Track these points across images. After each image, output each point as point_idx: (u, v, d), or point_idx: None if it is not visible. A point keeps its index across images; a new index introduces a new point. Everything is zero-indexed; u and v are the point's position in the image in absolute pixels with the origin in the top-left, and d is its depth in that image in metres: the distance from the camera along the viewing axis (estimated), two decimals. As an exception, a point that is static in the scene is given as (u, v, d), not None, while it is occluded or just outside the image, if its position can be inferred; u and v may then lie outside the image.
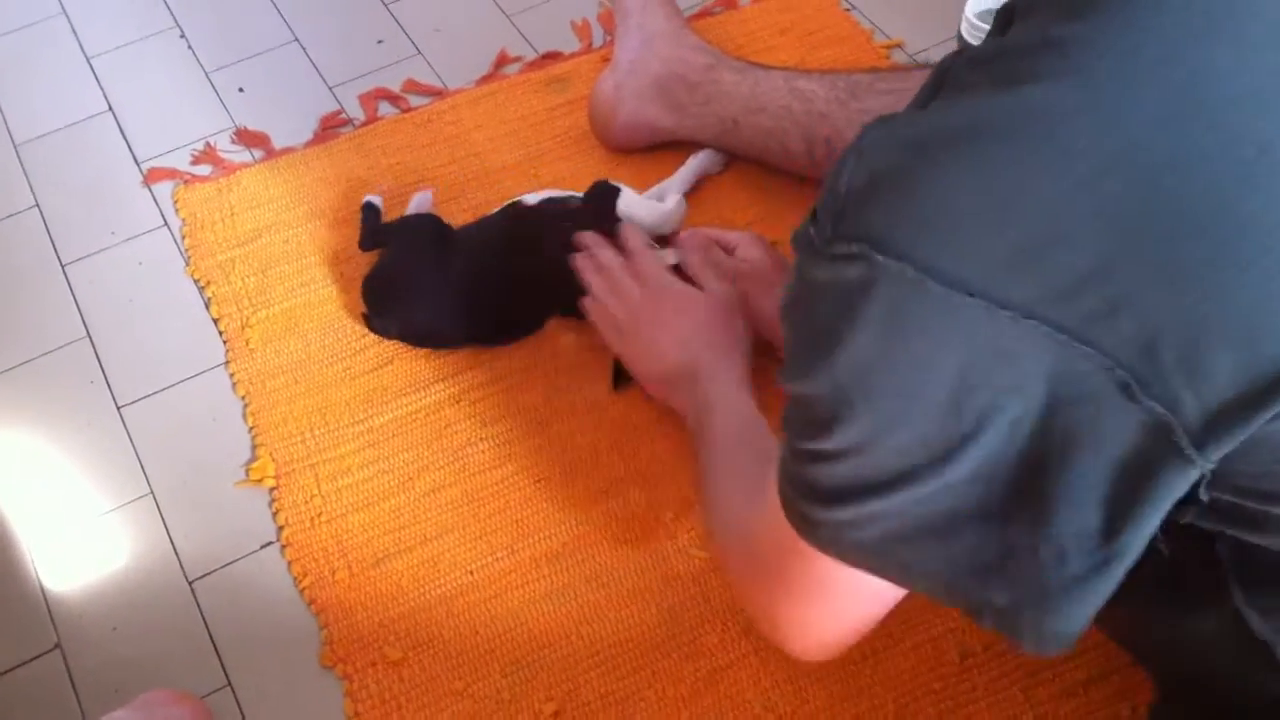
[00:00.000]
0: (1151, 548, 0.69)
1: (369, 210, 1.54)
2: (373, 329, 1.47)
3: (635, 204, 1.48)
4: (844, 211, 0.67)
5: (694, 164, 1.57)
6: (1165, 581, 0.78)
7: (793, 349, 0.73)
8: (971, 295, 0.62)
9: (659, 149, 1.61)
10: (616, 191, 1.47)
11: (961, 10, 1.61)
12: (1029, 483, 0.67)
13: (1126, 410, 0.63)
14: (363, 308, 1.48)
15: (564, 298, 1.43)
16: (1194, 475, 0.65)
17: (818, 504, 0.75)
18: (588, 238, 1.43)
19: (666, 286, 1.37)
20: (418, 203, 1.55)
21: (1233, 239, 0.61)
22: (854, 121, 1.44)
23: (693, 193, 1.56)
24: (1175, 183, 0.61)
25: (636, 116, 1.59)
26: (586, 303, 1.39)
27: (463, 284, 1.44)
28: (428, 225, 1.50)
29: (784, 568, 0.86)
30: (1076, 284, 0.61)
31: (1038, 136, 0.62)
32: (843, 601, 0.86)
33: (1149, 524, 0.67)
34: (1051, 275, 0.61)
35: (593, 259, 1.41)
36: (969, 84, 0.66)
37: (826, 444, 0.71)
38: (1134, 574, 0.70)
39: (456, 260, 1.46)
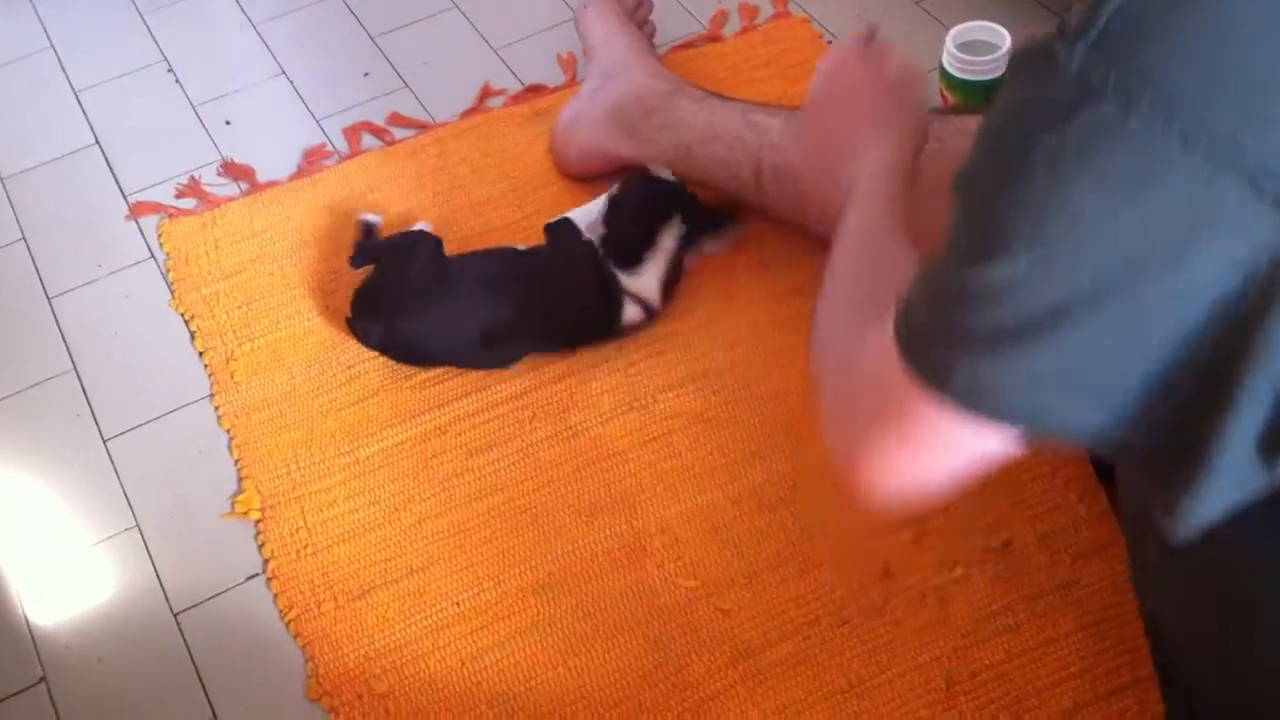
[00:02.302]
0: None
1: (364, 227, 1.55)
2: (354, 331, 1.48)
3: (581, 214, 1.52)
4: (1108, 35, 0.60)
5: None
6: None
7: (994, 160, 0.68)
8: (1223, 163, 0.58)
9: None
10: (567, 222, 1.51)
11: (943, 43, 1.62)
12: (1209, 361, 0.63)
13: None
14: (349, 313, 1.49)
15: (557, 335, 1.46)
16: None
17: (955, 347, 0.70)
18: None
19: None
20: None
21: None
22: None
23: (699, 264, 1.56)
24: None
25: (590, 143, 1.61)
26: None
27: (453, 302, 1.46)
28: (428, 241, 1.51)
29: (882, 405, 0.79)
30: None
31: None
32: (934, 450, 0.78)
33: None
34: None
35: None
36: None
37: (990, 271, 0.66)
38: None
39: (452, 279, 1.47)
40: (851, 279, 0.99)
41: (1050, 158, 0.62)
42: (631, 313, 1.46)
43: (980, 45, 1.59)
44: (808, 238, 1.52)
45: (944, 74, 1.60)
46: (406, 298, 1.46)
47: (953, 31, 1.60)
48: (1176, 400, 0.66)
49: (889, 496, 0.83)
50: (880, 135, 1.12)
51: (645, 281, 1.46)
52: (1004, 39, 1.58)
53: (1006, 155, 0.66)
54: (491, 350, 1.46)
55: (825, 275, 1.03)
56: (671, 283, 1.49)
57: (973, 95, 1.58)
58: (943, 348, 0.71)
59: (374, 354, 1.48)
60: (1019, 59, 0.67)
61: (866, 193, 1.07)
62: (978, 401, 0.71)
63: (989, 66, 1.57)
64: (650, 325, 1.48)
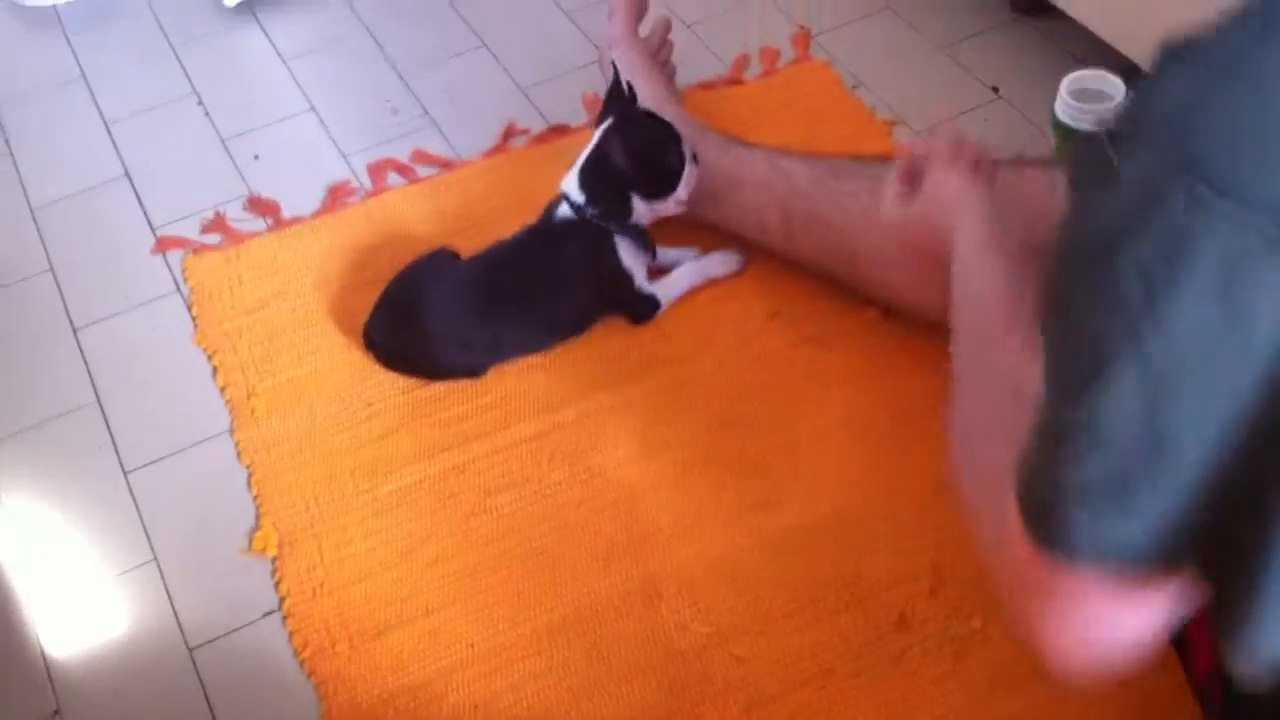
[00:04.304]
0: None
1: None
2: (371, 340, 1.52)
3: None
4: (1159, 134, 0.59)
5: (703, 266, 1.58)
6: None
7: (1078, 282, 0.64)
8: None
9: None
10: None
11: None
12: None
13: None
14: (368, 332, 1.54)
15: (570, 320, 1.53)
16: None
17: (1073, 504, 0.65)
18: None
19: None
20: None
21: None
22: (833, 202, 1.46)
23: (707, 290, 1.58)
24: None
25: None
26: None
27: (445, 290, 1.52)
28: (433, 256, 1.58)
29: (1033, 587, 0.73)
30: None
31: None
32: (1099, 623, 0.72)
33: None
34: None
35: None
36: None
37: (1093, 399, 0.63)
38: None
39: (447, 274, 1.54)
40: (977, 406, 0.93)
41: (1138, 269, 0.60)
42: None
43: (1094, 94, 1.55)
44: (823, 285, 1.53)
45: (1054, 120, 1.57)
46: (403, 296, 1.52)
47: (1067, 79, 1.56)
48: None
49: (1083, 666, 0.75)
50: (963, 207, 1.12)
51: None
52: (1118, 89, 1.55)
53: (1090, 275, 0.63)
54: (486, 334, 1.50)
55: (955, 383, 0.97)
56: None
57: (1072, 140, 1.55)
58: (1062, 508, 0.66)
59: (395, 392, 1.49)
60: (1078, 173, 0.65)
61: (975, 274, 1.05)
62: (1113, 562, 0.66)
63: (1095, 115, 1.53)
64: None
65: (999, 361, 0.94)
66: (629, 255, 1.51)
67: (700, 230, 1.60)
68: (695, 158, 1.52)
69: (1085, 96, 1.55)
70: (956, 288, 1.07)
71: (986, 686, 1.21)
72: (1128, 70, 1.61)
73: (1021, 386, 0.76)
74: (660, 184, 1.50)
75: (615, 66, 1.61)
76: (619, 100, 1.55)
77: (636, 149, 1.48)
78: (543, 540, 1.36)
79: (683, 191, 1.50)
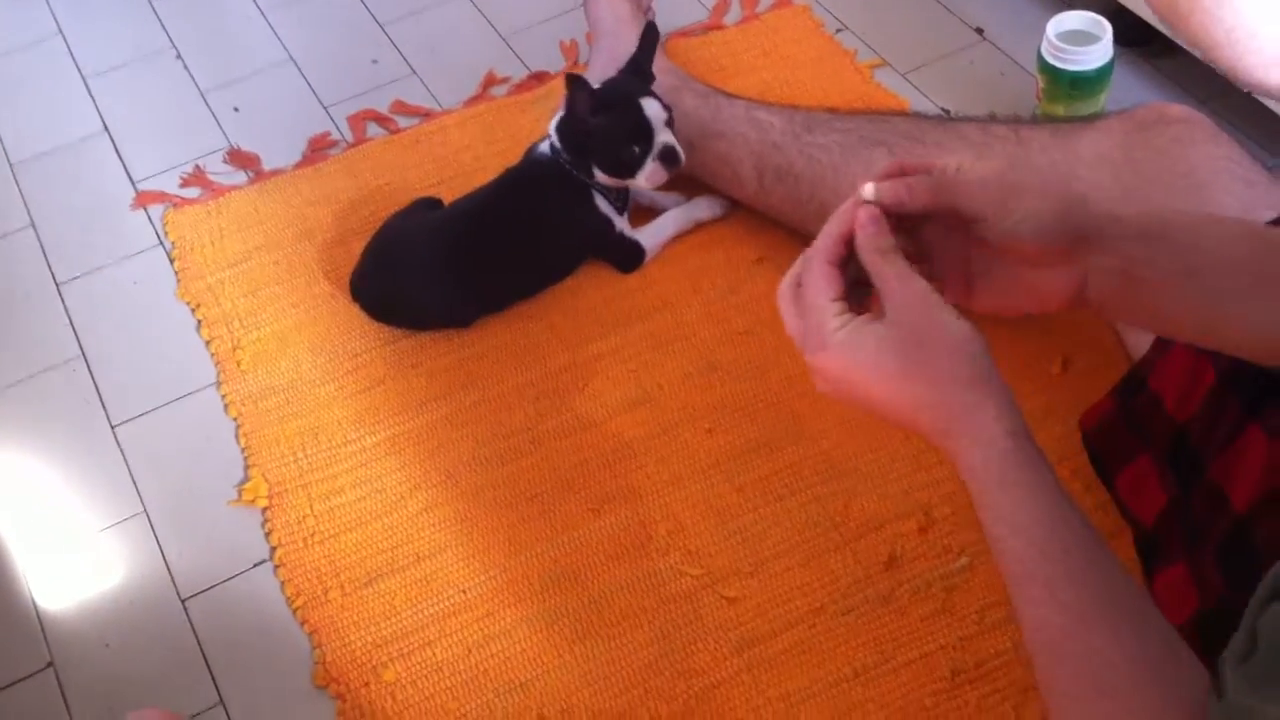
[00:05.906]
0: None
1: None
2: (356, 289, 1.52)
3: None
4: None
5: (688, 210, 1.57)
6: None
7: None
8: None
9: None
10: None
11: (1048, 33, 1.56)
12: None
13: None
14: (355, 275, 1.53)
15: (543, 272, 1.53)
16: None
17: None
18: None
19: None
20: None
21: None
22: (805, 155, 1.45)
23: (693, 236, 1.57)
24: None
25: None
26: None
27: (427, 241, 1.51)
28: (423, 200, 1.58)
29: None
30: None
31: None
32: None
33: None
34: None
35: None
36: None
37: None
38: None
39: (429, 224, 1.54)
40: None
41: None
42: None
43: (1081, 35, 1.54)
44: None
45: (1040, 63, 1.57)
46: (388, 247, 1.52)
47: (1053, 20, 1.54)
48: None
49: None
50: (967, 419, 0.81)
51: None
52: (1105, 30, 1.53)
53: None
54: (471, 288, 1.50)
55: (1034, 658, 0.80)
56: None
57: (1059, 83, 1.55)
58: None
59: (381, 342, 1.49)
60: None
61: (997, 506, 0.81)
62: None
63: (1082, 57, 1.53)
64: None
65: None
66: (605, 201, 1.50)
67: (681, 177, 1.60)
68: (676, 157, 1.46)
69: (1072, 39, 1.54)
70: (1019, 609, 0.81)
71: (975, 624, 1.22)
72: (1114, 12, 1.61)
73: None
74: (615, 169, 1.47)
75: (648, 27, 1.57)
76: (629, 72, 1.53)
77: (594, 131, 1.45)
78: (533, 487, 1.36)
79: (642, 181, 1.47)
